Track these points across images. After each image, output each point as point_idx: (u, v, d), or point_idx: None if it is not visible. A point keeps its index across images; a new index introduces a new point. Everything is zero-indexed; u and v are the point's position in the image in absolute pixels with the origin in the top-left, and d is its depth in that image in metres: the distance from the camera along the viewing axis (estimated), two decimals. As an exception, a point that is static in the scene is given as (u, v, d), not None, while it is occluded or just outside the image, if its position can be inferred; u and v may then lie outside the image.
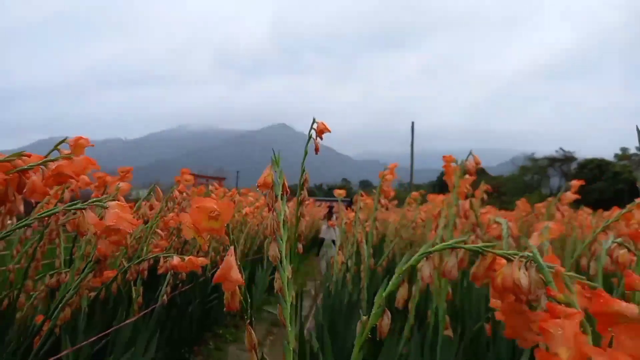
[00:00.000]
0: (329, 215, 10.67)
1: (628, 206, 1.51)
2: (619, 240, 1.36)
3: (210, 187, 4.03)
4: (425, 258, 0.88)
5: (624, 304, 0.43)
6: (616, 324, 0.42)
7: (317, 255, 11.23)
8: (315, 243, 11.33)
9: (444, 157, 1.93)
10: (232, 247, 0.79)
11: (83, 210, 0.91)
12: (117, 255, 2.38)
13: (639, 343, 0.40)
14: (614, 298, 0.44)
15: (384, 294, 0.85)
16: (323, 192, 54.11)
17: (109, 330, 1.81)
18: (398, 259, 3.42)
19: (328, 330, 2.13)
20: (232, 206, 0.74)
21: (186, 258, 1.93)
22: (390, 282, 0.85)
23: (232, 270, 0.75)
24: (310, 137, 1.77)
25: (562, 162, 33.90)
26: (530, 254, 0.86)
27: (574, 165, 33.10)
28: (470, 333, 1.71)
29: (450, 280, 0.96)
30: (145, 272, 2.17)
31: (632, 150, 34.21)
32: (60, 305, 1.44)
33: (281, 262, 0.92)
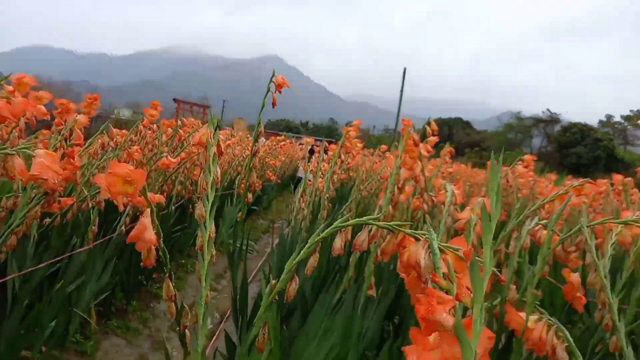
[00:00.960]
0: (310, 155, 10.70)
1: (551, 195, 1.58)
2: (543, 222, 1.43)
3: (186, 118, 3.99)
4: (339, 231, 0.94)
5: (443, 314, 0.48)
6: (438, 330, 0.48)
7: (292, 193, 11.40)
8: (293, 180, 11.46)
9: (403, 120, 1.96)
10: (148, 209, 0.82)
11: (11, 156, 0.92)
12: (80, 182, 2.40)
13: (454, 350, 0.46)
14: (438, 305, 0.49)
15: (294, 262, 0.91)
16: (309, 131, 53.84)
17: (60, 257, 1.87)
18: (361, 209, 3.51)
19: (276, 276, 2.22)
20: (144, 174, 0.77)
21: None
22: (302, 251, 0.91)
23: (146, 231, 0.79)
24: (268, 90, 1.77)
25: (547, 123, 34.15)
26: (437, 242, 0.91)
27: (557, 128, 33.41)
28: (391, 293, 1.83)
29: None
30: (103, 204, 2.21)
31: (617, 118, 34.58)
32: (6, 233, 1.48)
33: (205, 222, 0.96)
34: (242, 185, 5.45)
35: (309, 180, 3.21)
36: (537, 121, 34.65)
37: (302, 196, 3.07)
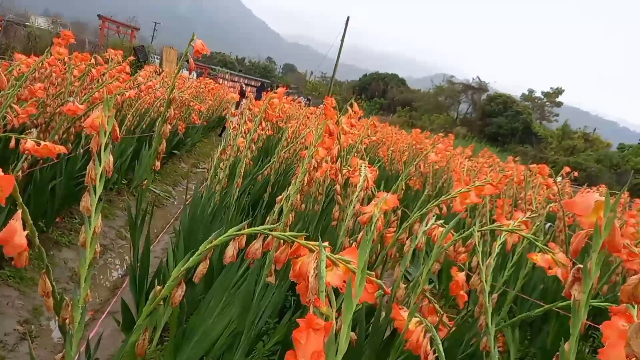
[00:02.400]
0: (240, 98, 10.34)
1: (454, 192, 1.65)
2: (440, 222, 1.51)
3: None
4: (233, 238, 0.92)
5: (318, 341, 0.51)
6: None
7: (219, 136, 11.13)
8: (221, 122, 11.15)
9: (325, 99, 1.93)
10: (19, 212, 0.75)
11: None
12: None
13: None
14: (315, 331, 0.52)
15: (182, 269, 0.89)
16: (244, 68, 51.99)
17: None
18: (282, 169, 3.50)
19: (184, 239, 2.19)
20: (12, 181, 0.70)
21: (42, 143, 1.81)
22: (191, 259, 0.89)
23: (16, 235, 0.73)
24: (186, 53, 1.66)
25: (475, 90, 35.61)
26: (329, 255, 0.93)
27: (483, 97, 34.98)
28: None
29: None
30: (-6, 149, 2.02)
31: (538, 94, 36.76)
32: None
33: (90, 216, 0.90)
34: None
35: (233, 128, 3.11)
36: (466, 87, 35.99)
37: (221, 154, 3.00)
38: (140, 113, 4.55)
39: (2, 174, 0.69)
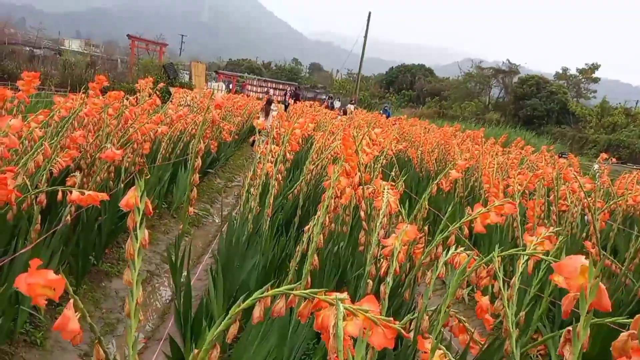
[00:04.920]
0: (267, 107, 10.50)
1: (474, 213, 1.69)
2: (460, 250, 1.57)
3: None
4: (258, 300, 1.02)
5: None
6: None
7: (251, 145, 11.39)
8: (252, 132, 11.38)
9: (343, 134, 2.01)
10: (71, 301, 0.87)
11: None
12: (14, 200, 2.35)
13: None
14: None
15: (215, 332, 0.99)
16: (271, 72, 52.45)
17: (1, 261, 1.89)
18: (311, 189, 3.58)
19: (222, 267, 2.32)
20: (63, 282, 0.81)
21: (86, 193, 1.97)
22: (222, 323, 0.99)
23: (69, 322, 0.85)
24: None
25: (506, 74, 34.66)
26: (348, 306, 1.01)
27: (515, 79, 34.02)
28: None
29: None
30: (44, 202, 2.20)
31: (572, 71, 35.45)
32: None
33: (132, 291, 1.02)
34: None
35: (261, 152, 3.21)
36: (496, 71, 35.09)
37: (251, 178, 3.13)
38: (174, 140, 4.75)
39: (55, 275, 0.81)
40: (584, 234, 3.14)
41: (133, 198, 1.10)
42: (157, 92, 5.48)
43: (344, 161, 2.01)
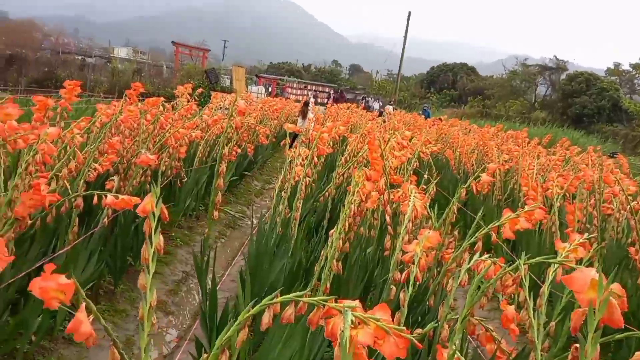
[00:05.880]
0: (305, 109, 10.55)
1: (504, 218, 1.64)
2: (485, 257, 1.52)
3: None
4: (267, 306, 1.02)
5: None
6: None
7: (290, 148, 11.50)
8: (290, 135, 11.48)
9: (369, 137, 1.99)
10: (83, 304, 0.90)
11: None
12: (59, 176, 2.46)
13: None
14: None
15: (224, 338, 1.00)
16: (311, 75, 52.79)
17: (38, 264, 1.98)
18: (342, 192, 3.56)
19: (251, 269, 2.34)
20: (73, 286, 0.84)
21: (120, 197, 2.04)
22: (231, 328, 1.00)
23: (82, 325, 0.88)
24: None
25: (553, 71, 33.36)
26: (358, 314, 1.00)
27: (563, 76, 32.67)
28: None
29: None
30: (81, 205, 2.30)
31: (625, 67, 33.74)
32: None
33: (145, 293, 1.04)
34: (233, 153, 5.50)
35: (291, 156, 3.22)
36: (542, 68, 33.83)
37: (282, 181, 3.15)
38: (210, 144, 4.86)
39: (66, 280, 0.84)
40: (629, 240, 2.98)
41: (149, 204, 1.13)
42: (196, 98, 5.64)
43: (370, 165, 2.00)
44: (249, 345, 1.99)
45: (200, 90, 5.77)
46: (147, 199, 1.13)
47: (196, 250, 4.27)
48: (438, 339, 1.42)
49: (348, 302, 1.04)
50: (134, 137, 3.03)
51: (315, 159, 2.41)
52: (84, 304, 0.91)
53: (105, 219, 2.63)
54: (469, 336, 1.80)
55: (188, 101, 4.39)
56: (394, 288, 1.71)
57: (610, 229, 3.09)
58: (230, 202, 5.91)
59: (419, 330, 1.63)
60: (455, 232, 2.30)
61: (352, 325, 0.99)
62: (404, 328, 1.03)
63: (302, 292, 1.03)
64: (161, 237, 1.11)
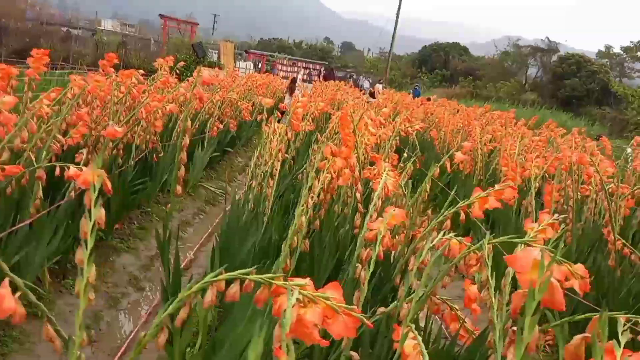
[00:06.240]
0: (291, 86, 10.42)
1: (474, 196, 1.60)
2: (449, 235, 1.48)
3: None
4: (210, 284, 0.98)
5: None
6: None
7: (278, 122, 11.40)
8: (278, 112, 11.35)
9: (342, 110, 1.93)
10: (6, 280, 0.85)
11: None
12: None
13: None
14: None
15: (162, 315, 0.96)
16: (302, 51, 52.12)
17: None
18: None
19: (221, 248, 2.30)
20: None
21: (84, 169, 1.97)
22: (171, 306, 0.96)
23: (4, 301, 0.83)
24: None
25: (544, 52, 33.24)
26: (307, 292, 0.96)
27: (554, 58, 32.59)
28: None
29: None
30: (44, 178, 2.22)
31: (616, 49, 33.73)
32: None
33: (83, 268, 0.99)
34: (214, 128, 5.40)
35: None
36: (534, 49, 33.68)
37: (259, 157, 3.08)
38: (191, 118, 4.75)
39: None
40: (605, 221, 2.98)
41: (90, 175, 1.07)
42: (177, 71, 5.49)
43: (342, 142, 1.94)
44: (215, 324, 1.96)
45: (182, 63, 5.63)
46: (88, 169, 1.06)
47: (174, 227, 4.24)
48: (396, 319, 1.39)
49: (297, 280, 1.00)
50: (102, 110, 2.94)
51: (291, 134, 2.34)
52: (7, 279, 0.86)
53: (72, 192, 2.56)
54: (435, 315, 1.79)
55: (174, 75, 4.27)
56: (359, 266, 1.67)
57: (586, 210, 3.09)
58: (211, 178, 5.84)
59: (382, 309, 1.61)
60: (429, 211, 2.27)
61: (302, 304, 0.96)
62: (355, 307, 0.99)
63: (248, 270, 0.98)
64: (102, 210, 1.05)
